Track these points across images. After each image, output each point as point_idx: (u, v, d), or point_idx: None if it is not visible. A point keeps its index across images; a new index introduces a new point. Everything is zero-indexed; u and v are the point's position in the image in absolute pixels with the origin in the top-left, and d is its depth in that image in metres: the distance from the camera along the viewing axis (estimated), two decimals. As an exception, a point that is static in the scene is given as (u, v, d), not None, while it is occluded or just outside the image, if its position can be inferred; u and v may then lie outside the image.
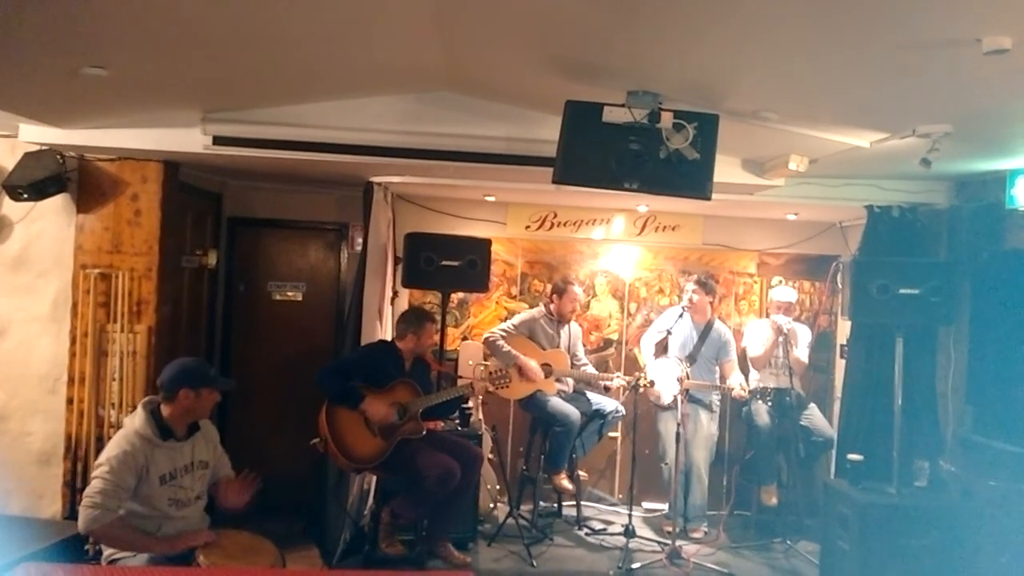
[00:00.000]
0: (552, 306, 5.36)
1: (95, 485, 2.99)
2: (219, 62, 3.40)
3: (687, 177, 3.26)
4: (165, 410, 3.20)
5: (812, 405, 5.43)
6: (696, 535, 5.24)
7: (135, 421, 3.16)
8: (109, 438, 4.21)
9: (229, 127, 4.21)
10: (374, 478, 4.95)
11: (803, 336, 5.42)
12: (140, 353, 4.55)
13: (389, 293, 5.48)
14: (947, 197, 4.88)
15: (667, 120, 3.20)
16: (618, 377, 5.30)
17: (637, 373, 5.10)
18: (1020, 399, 4.34)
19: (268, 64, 3.50)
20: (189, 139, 4.24)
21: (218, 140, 4.23)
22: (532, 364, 5.11)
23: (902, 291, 4.38)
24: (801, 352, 5.35)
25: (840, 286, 5.32)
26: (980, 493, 4.06)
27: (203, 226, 5.48)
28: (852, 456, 4.56)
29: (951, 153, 3.67)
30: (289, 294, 5.82)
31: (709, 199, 3.29)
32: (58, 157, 4.43)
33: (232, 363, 5.66)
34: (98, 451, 4.29)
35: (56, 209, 4.57)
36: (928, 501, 4.36)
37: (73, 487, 4.50)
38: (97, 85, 3.37)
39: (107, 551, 3.10)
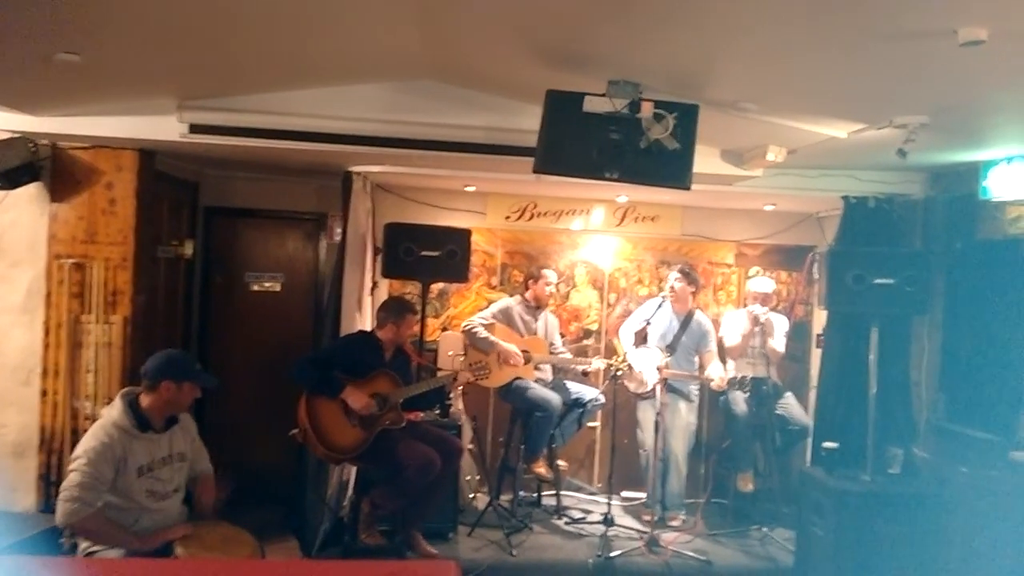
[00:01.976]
0: (528, 293, 5.38)
1: (73, 478, 2.96)
2: (196, 48, 3.36)
3: (667, 167, 3.27)
4: (144, 401, 3.17)
5: (788, 394, 5.49)
6: (674, 523, 5.29)
7: (113, 412, 3.13)
8: (84, 430, 4.14)
9: (206, 115, 4.16)
10: (353, 469, 4.93)
11: (780, 326, 5.47)
12: (116, 344, 4.50)
13: (369, 283, 5.46)
14: (922, 188, 4.94)
15: (647, 110, 3.21)
16: (596, 360, 5.33)
17: (615, 357, 5.12)
18: (991, 387, 4.43)
19: (246, 51, 3.46)
20: (165, 127, 4.19)
21: (195, 128, 4.18)
22: (512, 348, 5.12)
23: (877, 281, 4.42)
24: (778, 342, 5.40)
25: (816, 276, 5.40)
26: (952, 479, 4.13)
27: (179, 216, 5.41)
28: (827, 444, 4.62)
29: (926, 144, 3.71)
30: (267, 285, 5.77)
31: (689, 189, 3.31)
32: (30, 145, 4.34)
33: (209, 354, 5.60)
34: (73, 443, 4.23)
35: (29, 198, 4.49)
36: (902, 488, 4.43)
37: (48, 480, 4.44)
38: (70, 71, 3.31)
39: (83, 544, 3.06)
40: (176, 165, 5.17)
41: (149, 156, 4.64)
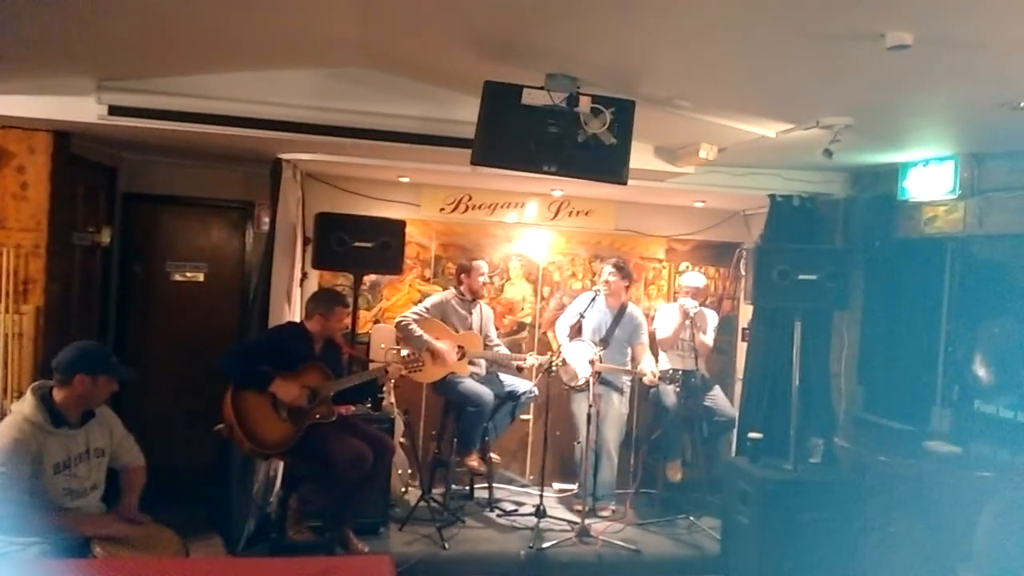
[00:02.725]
0: (463, 286, 5.35)
1: (-15, 477, 2.79)
2: (118, 24, 3.18)
3: (604, 162, 3.30)
4: (58, 395, 3.01)
5: (716, 387, 5.63)
6: (604, 513, 5.36)
7: (24, 407, 2.97)
8: (-7, 426, 3.95)
9: (127, 96, 3.96)
10: (281, 464, 4.82)
11: (710, 320, 5.60)
12: (27, 335, 4.25)
13: (298, 274, 5.33)
14: (843, 188, 5.12)
15: (585, 104, 3.22)
16: (531, 356, 5.35)
17: (550, 353, 5.15)
18: (907, 380, 4.63)
19: (172, 29, 3.30)
20: (82, 108, 3.97)
21: (114, 110, 3.98)
22: (444, 347, 5.09)
23: (801, 277, 4.58)
24: (707, 336, 5.53)
25: (743, 272, 5.54)
26: (870, 468, 4.31)
27: (95, 201, 5.16)
28: (752, 434, 4.76)
29: (849, 145, 3.84)
30: (189, 274, 5.58)
31: (625, 184, 3.34)
32: (-68, 123, 4.09)
33: (128, 345, 5.39)
34: (-20, 440, 4.01)
35: (-70, 180, 4.22)
36: (822, 476, 4.61)
37: (-49, 479, 4.18)
38: (-21, 45, 3.11)
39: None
40: (93, 148, 4.93)
41: (64, 138, 4.40)
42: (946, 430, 4.21)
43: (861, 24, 2.39)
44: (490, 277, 5.64)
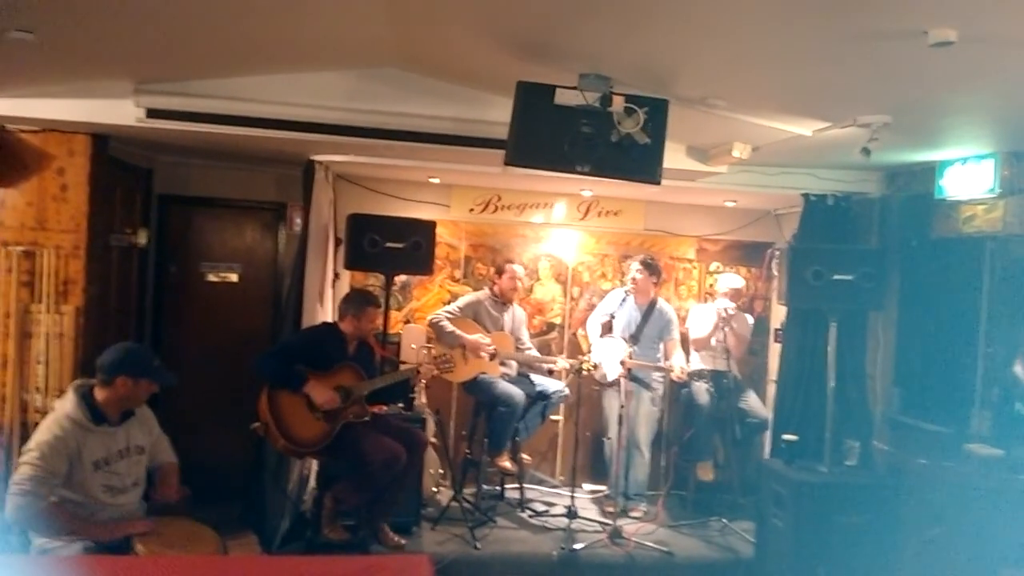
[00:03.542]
0: (495, 287, 5.35)
1: (24, 471, 2.86)
2: (156, 29, 3.23)
3: (638, 161, 3.27)
4: (99, 394, 3.07)
5: (748, 389, 5.58)
6: (635, 514, 5.33)
7: (66, 405, 3.03)
8: (35, 424, 4.02)
9: (164, 99, 4.02)
10: (314, 462, 4.87)
11: (747, 323, 5.56)
12: (67, 335, 4.34)
13: (330, 275, 5.37)
14: (879, 187, 5.05)
15: (618, 104, 3.20)
16: (561, 359, 5.34)
17: (580, 357, 5.14)
18: (945, 382, 4.55)
19: (207, 33, 3.35)
20: (121, 111, 4.04)
21: (152, 113, 4.04)
22: (478, 339, 5.09)
23: (836, 277, 4.53)
24: (742, 338, 5.49)
25: (775, 272, 5.49)
26: (908, 471, 4.24)
27: (132, 203, 5.25)
28: (787, 436, 4.71)
29: (886, 144, 3.78)
30: (223, 275, 5.64)
31: (659, 183, 3.32)
32: (-24, 127, 4.18)
33: (163, 345, 5.46)
34: (22, 437, 4.09)
35: (-26, 183, 4.31)
36: (858, 479, 4.53)
37: (-6, 475, 4.28)
38: (24, 50, 3.16)
39: (38, 541, 2.96)
40: (129, 151, 5.01)
41: (102, 141, 4.48)
42: (986, 432, 4.12)
43: (904, 21, 2.35)
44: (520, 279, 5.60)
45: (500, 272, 5.35)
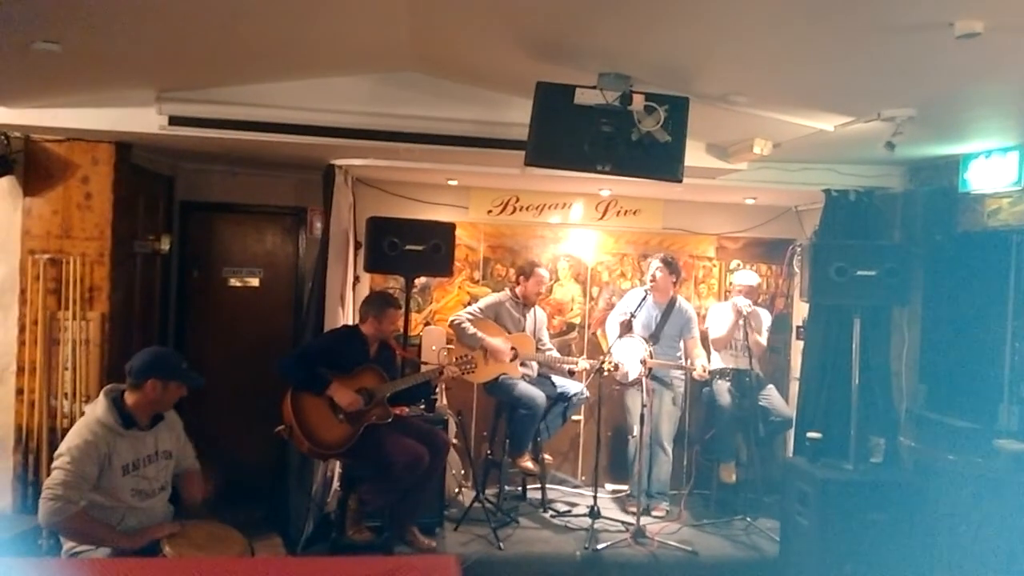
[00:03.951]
0: (519, 289, 5.35)
1: (56, 476, 2.88)
2: (177, 38, 3.27)
3: (659, 160, 3.27)
4: (129, 398, 3.10)
5: (770, 386, 5.55)
6: (658, 513, 5.32)
7: (97, 409, 3.06)
8: (64, 429, 4.08)
9: (186, 107, 4.06)
10: (338, 464, 4.89)
11: (764, 320, 5.52)
12: (93, 341, 4.39)
13: (351, 278, 5.40)
14: (901, 181, 5.00)
15: (639, 102, 3.20)
16: (582, 360, 5.34)
17: (601, 357, 5.13)
18: (971, 377, 4.50)
19: (228, 41, 3.39)
20: (144, 119, 4.09)
21: (174, 120, 4.09)
22: (499, 343, 5.10)
23: (859, 273, 4.50)
24: (762, 337, 5.46)
25: (796, 269, 5.45)
26: (934, 467, 4.20)
27: (155, 210, 5.30)
28: (811, 434, 4.68)
29: (909, 137, 3.74)
30: (245, 280, 5.69)
31: (681, 181, 3.31)
32: (2, 137, 4.24)
33: (187, 349, 5.50)
34: (51, 443, 4.16)
35: (1, 192, 4.37)
36: (884, 476, 4.49)
37: (24, 480, 4.33)
38: (49, 61, 3.21)
39: (67, 544, 2.99)
40: (152, 159, 5.07)
41: (126, 149, 4.54)
42: (1015, 428, 4.08)
43: (930, 13, 2.33)
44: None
45: (526, 275, 5.32)
